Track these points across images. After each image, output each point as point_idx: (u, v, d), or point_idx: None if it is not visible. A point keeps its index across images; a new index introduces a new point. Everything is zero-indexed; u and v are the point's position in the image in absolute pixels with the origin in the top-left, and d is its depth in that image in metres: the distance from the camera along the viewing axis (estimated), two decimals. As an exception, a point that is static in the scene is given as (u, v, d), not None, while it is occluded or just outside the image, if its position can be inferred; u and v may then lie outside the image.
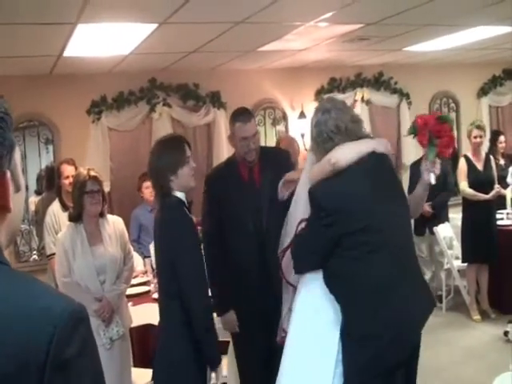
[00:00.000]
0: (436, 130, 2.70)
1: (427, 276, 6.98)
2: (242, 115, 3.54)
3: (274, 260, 3.15)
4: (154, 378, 3.14)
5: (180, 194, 3.04)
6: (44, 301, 1.03)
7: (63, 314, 1.02)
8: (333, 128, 2.71)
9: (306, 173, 2.94)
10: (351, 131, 2.73)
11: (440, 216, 6.81)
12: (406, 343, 2.63)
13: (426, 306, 2.79)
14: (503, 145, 7.38)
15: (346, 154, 2.64)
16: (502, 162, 7.18)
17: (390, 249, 2.62)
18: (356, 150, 2.66)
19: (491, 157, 6.55)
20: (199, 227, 3.45)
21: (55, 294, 1.10)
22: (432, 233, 6.68)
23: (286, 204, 3.18)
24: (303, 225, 2.83)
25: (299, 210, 2.91)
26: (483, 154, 6.46)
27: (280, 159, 3.71)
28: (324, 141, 2.72)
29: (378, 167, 2.71)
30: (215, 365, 3.00)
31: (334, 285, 2.64)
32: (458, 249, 6.58)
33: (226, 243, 3.53)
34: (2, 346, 0.96)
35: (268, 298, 3.37)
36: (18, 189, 1.17)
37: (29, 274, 1.11)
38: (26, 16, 3.90)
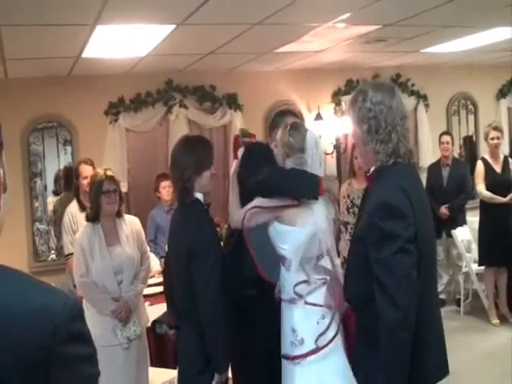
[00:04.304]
0: None
1: (444, 280, 6.94)
2: None
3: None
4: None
5: (199, 195, 3.05)
6: (42, 299, 1.05)
7: (62, 311, 1.04)
8: (401, 115, 2.28)
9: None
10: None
11: (457, 219, 6.76)
12: None
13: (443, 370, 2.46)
14: None
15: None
16: None
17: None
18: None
19: (510, 159, 6.48)
20: (218, 228, 3.46)
21: (51, 290, 1.11)
22: (449, 236, 6.63)
23: None
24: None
25: None
26: (501, 156, 6.39)
27: None
28: (381, 133, 2.25)
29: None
30: (221, 369, 2.98)
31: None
32: (476, 252, 6.51)
33: None
34: (6, 347, 0.98)
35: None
36: (5, 189, 1.18)
37: (19, 271, 1.11)
38: (44, 18, 3.94)
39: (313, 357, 2.93)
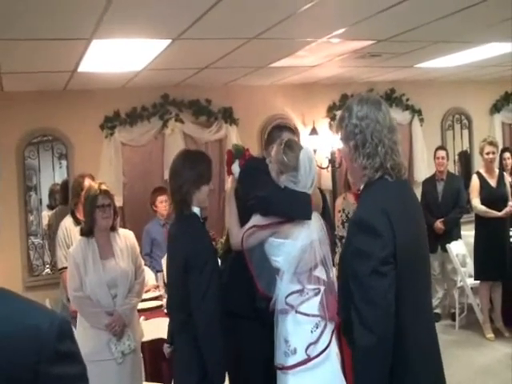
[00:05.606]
0: None
1: (439, 294, 6.93)
2: None
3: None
4: None
5: (196, 210, 3.06)
6: (29, 319, 1.03)
7: (48, 331, 1.02)
8: (386, 130, 2.21)
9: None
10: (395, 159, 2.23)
11: (452, 233, 6.77)
12: None
13: None
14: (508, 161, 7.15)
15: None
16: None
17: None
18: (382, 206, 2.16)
19: (505, 173, 6.50)
20: (213, 242, 3.48)
21: (39, 309, 1.09)
22: (444, 250, 6.63)
23: None
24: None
25: None
26: (496, 171, 6.42)
27: None
28: (368, 147, 2.19)
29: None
30: (218, 381, 2.97)
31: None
32: (471, 266, 6.51)
33: None
34: None
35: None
36: None
37: (6, 289, 1.09)
38: (41, 32, 3.95)
39: (303, 367, 2.95)
